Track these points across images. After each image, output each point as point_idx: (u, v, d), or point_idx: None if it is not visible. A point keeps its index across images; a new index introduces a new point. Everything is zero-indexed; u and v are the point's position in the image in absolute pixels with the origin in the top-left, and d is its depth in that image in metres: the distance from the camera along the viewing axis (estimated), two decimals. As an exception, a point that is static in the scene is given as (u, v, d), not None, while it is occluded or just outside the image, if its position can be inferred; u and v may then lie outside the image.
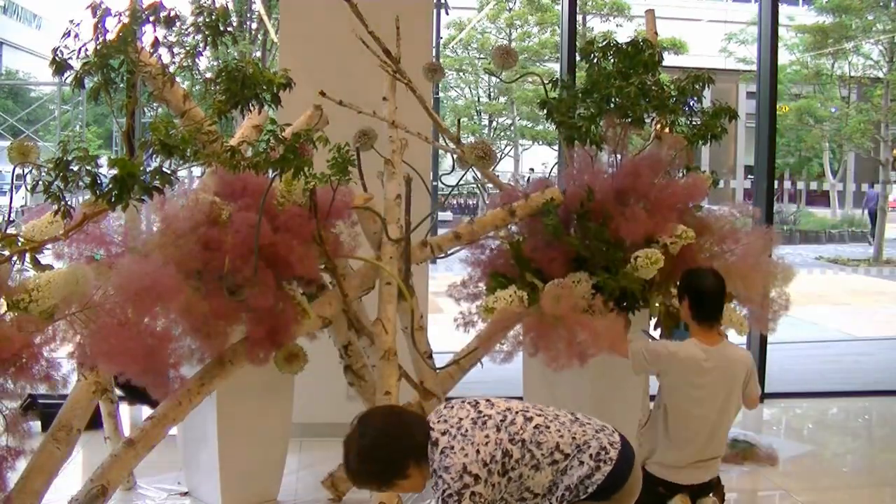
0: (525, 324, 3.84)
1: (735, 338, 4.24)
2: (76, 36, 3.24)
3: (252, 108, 3.29)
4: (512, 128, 22.07)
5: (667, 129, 4.39)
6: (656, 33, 4.92)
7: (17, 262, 2.89)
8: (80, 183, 2.80)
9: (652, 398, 3.59)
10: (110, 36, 3.25)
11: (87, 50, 3.26)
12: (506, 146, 22.14)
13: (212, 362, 3.44)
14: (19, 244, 2.90)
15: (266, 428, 4.03)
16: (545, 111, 4.34)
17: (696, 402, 3.16)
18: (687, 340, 3.25)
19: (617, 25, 19.70)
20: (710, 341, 3.21)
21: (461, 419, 2.55)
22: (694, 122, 4.42)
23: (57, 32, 3.29)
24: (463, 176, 4.58)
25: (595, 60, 4.31)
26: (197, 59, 3.37)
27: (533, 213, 4.07)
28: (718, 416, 3.19)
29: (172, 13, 3.24)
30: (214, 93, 3.25)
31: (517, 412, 2.60)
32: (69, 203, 2.86)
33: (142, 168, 2.87)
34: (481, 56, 21.20)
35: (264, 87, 3.22)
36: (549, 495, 2.53)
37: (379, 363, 3.58)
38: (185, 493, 4.17)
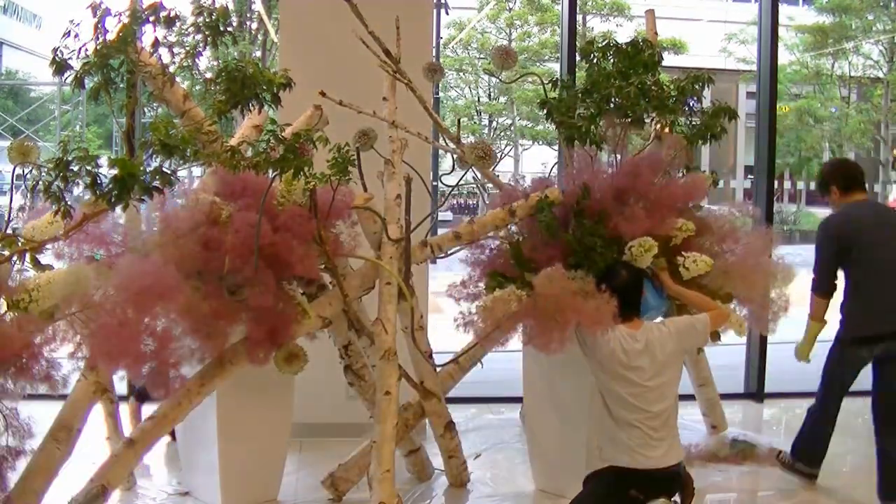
0: (520, 311, 3.82)
1: (735, 338, 4.25)
2: (76, 36, 3.25)
3: (252, 108, 3.29)
4: (512, 128, 22.08)
5: (667, 129, 4.39)
6: (656, 33, 4.93)
7: (17, 262, 2.89)
8: (80, 183, 2.80)
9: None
10: (110, 36, 3.26)
11: (87, 50, 3.26)
12: (506, 146, 22.15)
13: (212, 362, 3.44)
14: (19, 244, 2.90)
15: (266, 428, 4.03)
16: (545, 111, 4.33)
17: (631, 382, 3.27)
18: (616, 328, 3.37)
19: (617, 25, 19.72)
20: (634, 327, 3.37)
21: None
22: (694, 122, 4.42)
23: (57, 32, 3.29)
24: (463, 176, 4.58)
25: (595, 60, 4.31)
26: (197, 59, 3.38)
27: (532, 213, 4.07)
28: (658, 392, 3.28)
29: (172, 13, 3.25)
30: (214, 93, 3.25)
31: None
32: (69, 203, 2.87)
33: (142, 168, 2.87)
34: (481, 56, 21.20)
35: (264, 87, 3.22)
36: None
37: (379, 363, 3.58)
38: (185, 493, 4.17)
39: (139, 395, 4.61)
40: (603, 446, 3.38)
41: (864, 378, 4.63)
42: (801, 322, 4.60)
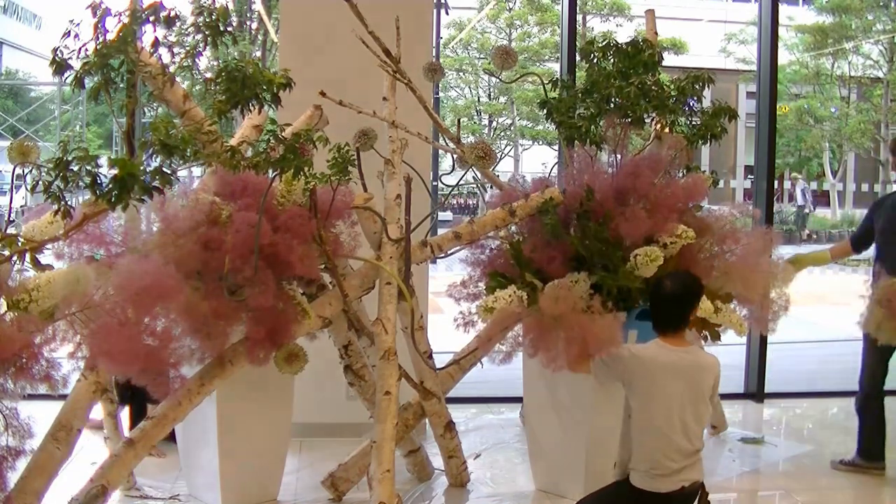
0: (525, 324, 3.84)
1: (735, 338, 4.25)
2: (76, 36, 3.24)
3: (252, 108, 3.29)
4: (512, 128, 22.08)
5: (667, 129, 4.39)
6: (656, 33, 4.92)
7: (17, 262, 2.89)
8: (80, 183, 2.79)
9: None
10: (110, 36, 3.25)
11: (87, 50, 3.26)
12: (506, 146, 22.15)
13: (212, 362, 3.44)
14: (19, 244, 2.90)
15: (266, 428, 4.03)
16: (545, 111, 4.34)
17: (661, 405, 3.03)
18: (652, 341, 3.15)
19: (617, 25, 19.74)
20: (675, 344, 3.11)
21: None
22: (694, 122, 4.42)
23: (57, 32, 3.29)
24: (463, 176, 4.58)
25: (595, 60, 4.31)
26: (197, 59, 3.37)
27: (532, 213, 4.07)
28: (684, 421, 3.03)
29: (172, 13, 3.24)
30: (214, 93, 3.24)
31: None
32: (69, 203, 2.86)
33: (142, 168, 2.86)
34: (481, 56, 21.21)
35: (264, 87, 3.21)
36: None
37: (379, 363, 3.58)
38: (177, 496, 4.15)
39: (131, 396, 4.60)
40: (628, 466, 3.15)
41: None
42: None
